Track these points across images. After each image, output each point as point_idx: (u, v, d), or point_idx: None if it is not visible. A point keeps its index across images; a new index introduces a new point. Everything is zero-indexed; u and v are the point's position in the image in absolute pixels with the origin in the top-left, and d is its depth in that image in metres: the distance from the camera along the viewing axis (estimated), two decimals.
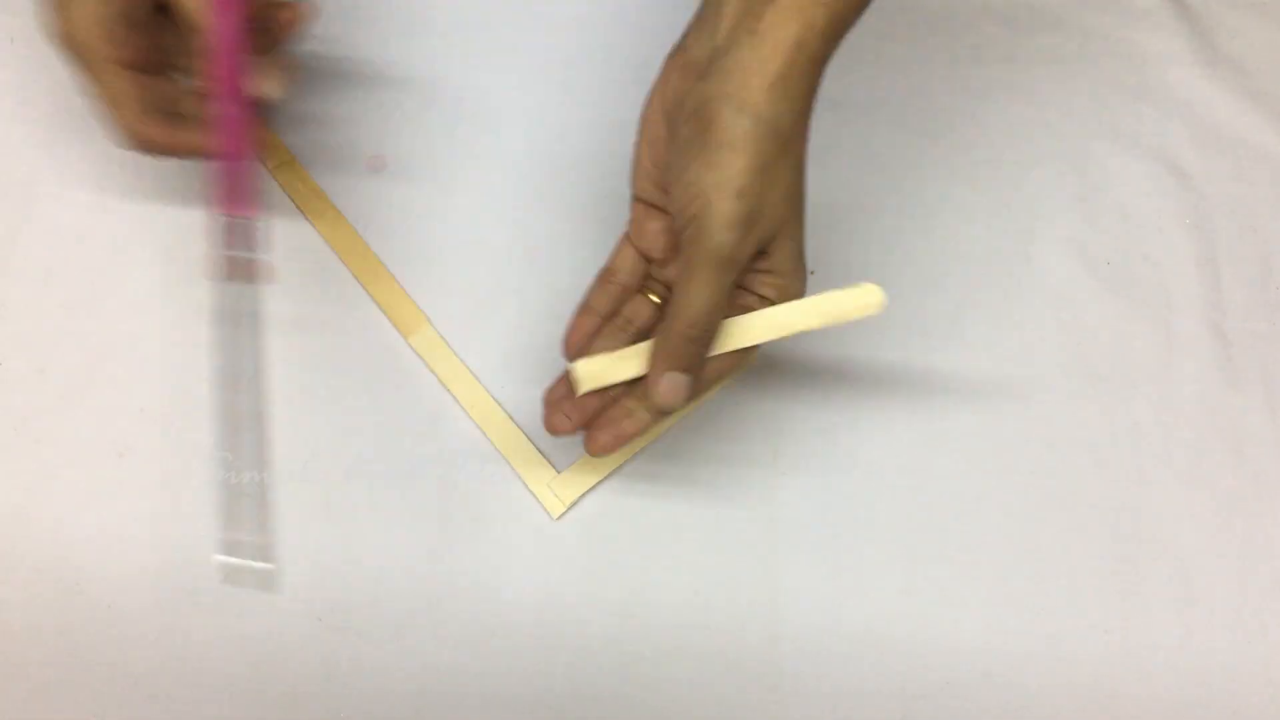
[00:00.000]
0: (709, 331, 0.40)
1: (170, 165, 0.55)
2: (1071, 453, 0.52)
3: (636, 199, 0.44)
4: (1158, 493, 0.51)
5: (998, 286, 0.55)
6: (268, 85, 0.43)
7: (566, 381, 0.44)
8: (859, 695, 0.47)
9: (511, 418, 0.51)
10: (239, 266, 0.42)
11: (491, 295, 0.53)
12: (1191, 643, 0.49)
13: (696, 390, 0.41)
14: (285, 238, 0.53)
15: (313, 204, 0.54)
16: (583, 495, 0.50)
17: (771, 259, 0.40)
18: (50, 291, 0.52)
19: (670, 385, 0.40)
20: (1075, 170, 0.58)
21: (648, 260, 0.45)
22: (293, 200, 0.54)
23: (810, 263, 0.55)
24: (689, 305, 0.38)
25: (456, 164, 0.56)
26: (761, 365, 0.52)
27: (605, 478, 0.50)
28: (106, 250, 0.53)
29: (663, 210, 0.43)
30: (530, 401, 0.51)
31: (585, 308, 0.45)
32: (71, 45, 0.39)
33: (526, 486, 0.49)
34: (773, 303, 0.41)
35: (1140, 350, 0.54)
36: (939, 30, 0.61)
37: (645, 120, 0.42)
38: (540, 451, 0.50)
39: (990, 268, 0.55)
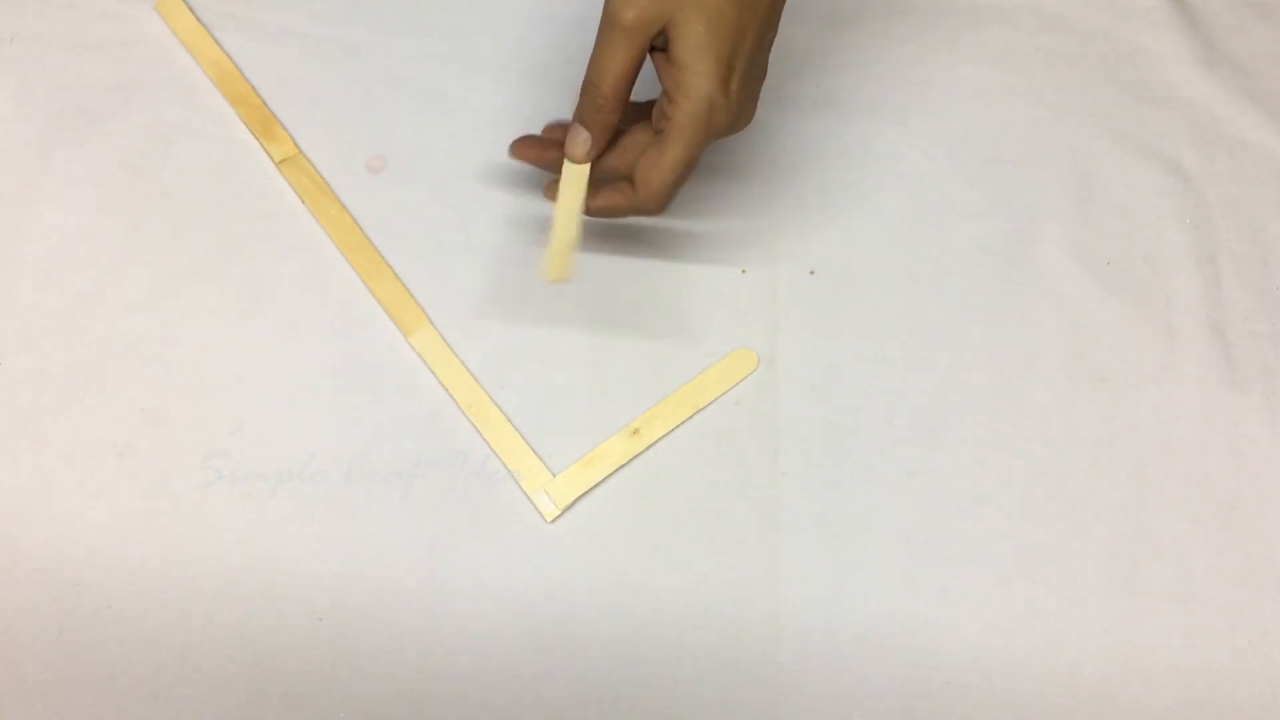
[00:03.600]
0: (592, 76, 0.44)
1: (174, 166, 0.55)
2: (1071, 453, 0.52)
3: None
4: (1158, 493, 0.51)
5: (998, 286, 0.55)
6: None
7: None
8: (859, 695, 0.47)
9: (510, 420, 0.51)
10: None
11: (491, 295, 0.53)
12: (1191, 643, 0.49)
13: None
14: (287, 234, 0.53)
15: (318, 200, 0.54)
16: (577, 499, 0.49)
17: (672, 50, 0.43)
18: (50, 291, 0.52)
19: (573, 135, 0.46)
20: (1075, 170, 0.58)
21: None
22: (298, 195, 0.54)
23: (811, 263, 0.55)
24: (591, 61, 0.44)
25: (456, 164, 0.56)
26: (761, 364, 0.52)
27: (601, 481, 0.50)
28: (106, 250, 0.53)
29: None
30: (528, 404, 0.51)
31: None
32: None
33: (521, 489, 0.49)
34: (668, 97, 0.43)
35: (1140, 350, 0.54)
36: (939, 30, 0.61)
37: None
38: (537, 455, 0.50)
39: (990, 268, 0.55)
